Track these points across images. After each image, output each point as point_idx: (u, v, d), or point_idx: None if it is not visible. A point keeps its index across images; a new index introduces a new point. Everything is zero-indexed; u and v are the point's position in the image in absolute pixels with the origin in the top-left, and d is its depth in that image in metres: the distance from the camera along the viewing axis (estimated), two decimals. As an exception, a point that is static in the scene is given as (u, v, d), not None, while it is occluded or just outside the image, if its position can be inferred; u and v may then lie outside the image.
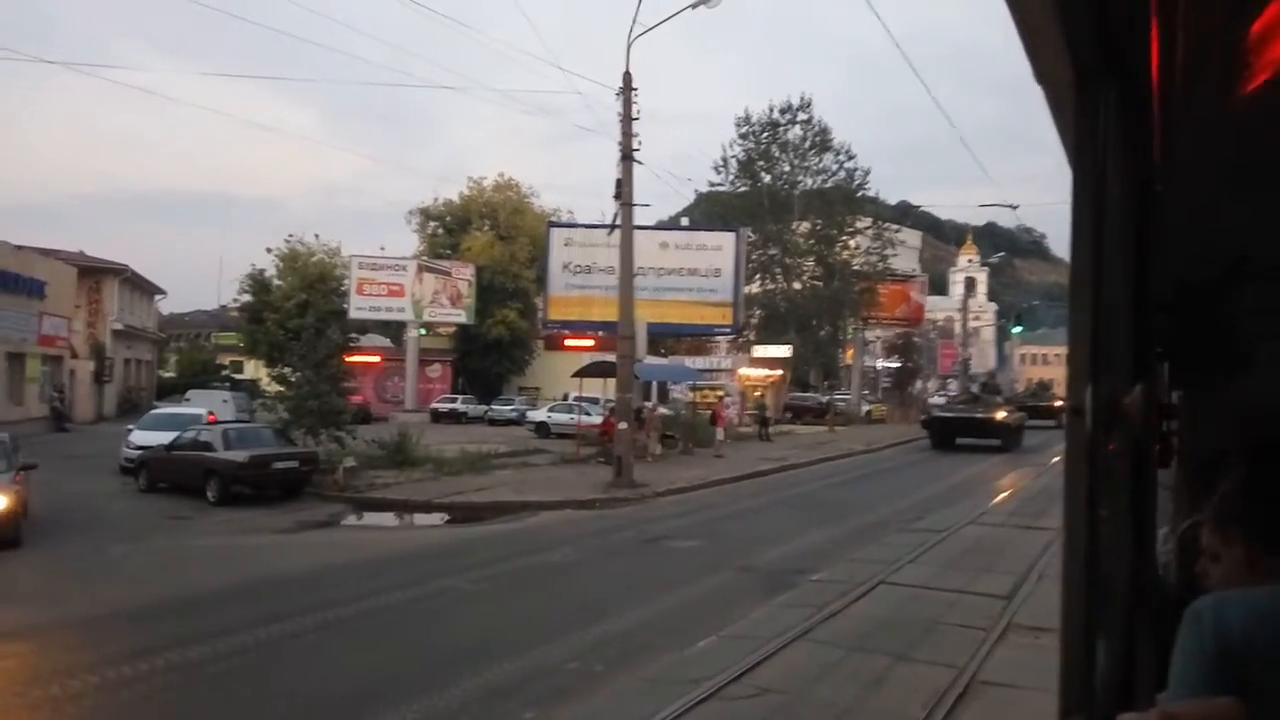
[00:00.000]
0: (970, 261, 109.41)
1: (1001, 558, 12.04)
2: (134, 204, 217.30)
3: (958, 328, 73.81)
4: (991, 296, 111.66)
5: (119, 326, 42.96)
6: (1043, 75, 1.20)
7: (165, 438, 19.57)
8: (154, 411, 26.26)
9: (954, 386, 70.05)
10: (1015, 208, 48.48)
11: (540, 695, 6.84)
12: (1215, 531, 1.66)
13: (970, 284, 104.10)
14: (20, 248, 32.77)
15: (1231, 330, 3.01)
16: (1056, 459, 25.17)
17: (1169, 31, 1.16)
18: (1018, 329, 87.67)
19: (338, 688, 7.14)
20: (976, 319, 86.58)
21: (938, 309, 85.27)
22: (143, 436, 21.23)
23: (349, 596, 9.90)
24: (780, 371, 46.15)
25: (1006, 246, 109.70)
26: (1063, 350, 1.24)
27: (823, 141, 50.24)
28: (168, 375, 53.83)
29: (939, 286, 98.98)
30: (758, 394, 42.95)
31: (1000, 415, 30.36)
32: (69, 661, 7.54)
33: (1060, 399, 39.43)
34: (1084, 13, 1.07)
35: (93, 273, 41.42)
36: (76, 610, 9.43)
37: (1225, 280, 2.44)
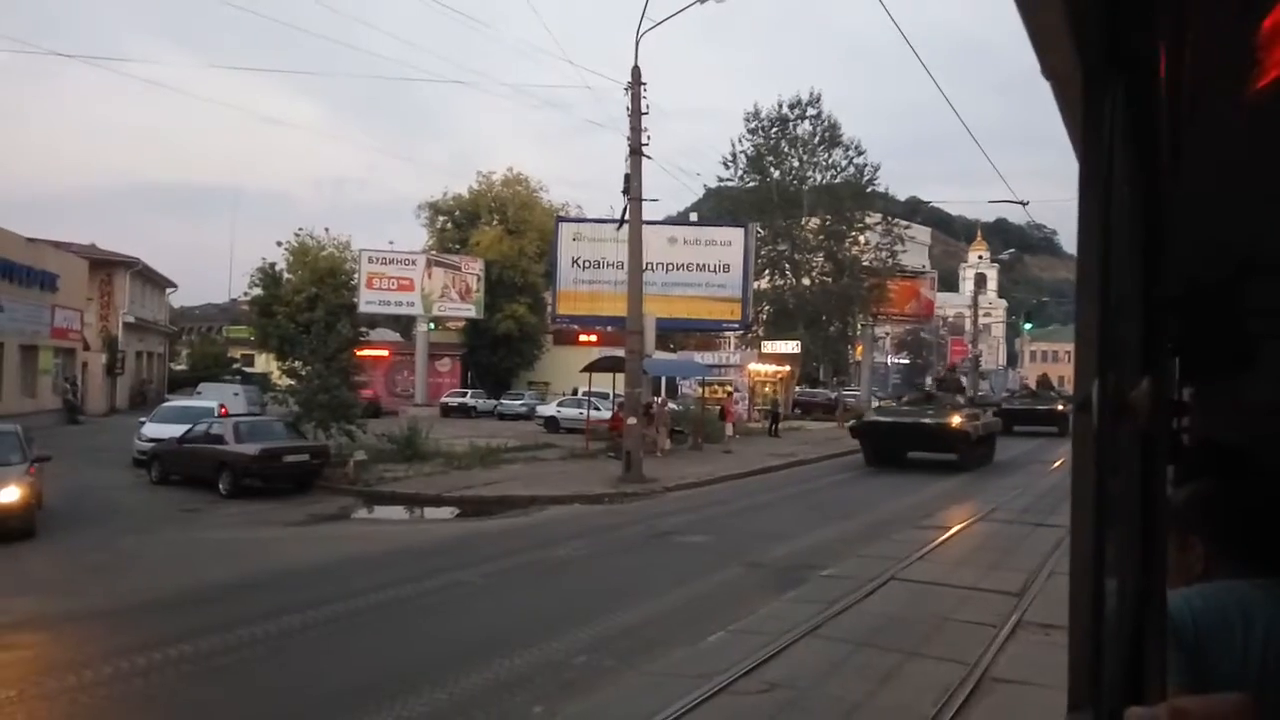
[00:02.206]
0: (980, 258, 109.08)
1: (1012, 554, 12.03)
2: (145, 197, 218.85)
3: (968, 324, 73.63)
4: (1002, 293, 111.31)
5: (130, 319, 43.18)
6: (1050, 71, 1.21)
7: (177, 430, 19.71)
8: (166, 404, 26.45)
9: (965, 381, 69.98)
10: (1025, 204, 48.05)
11: (549, 689, 6.87)
12: (1173, 537, 1.79)
13: (980, 280, 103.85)
14: (32, 240, 33.01)
15: (1240, 328, 3.01)
16: (1059, 462, 24.85)
17: (1177, 28, 1.17)
18: (1028, 326, 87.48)
19: (346, 680, 7.19)
20: (987, 315, 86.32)
21: (948, 305, 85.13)
22: (155, 429, 21.40)
23: (359, 590, 9.96)
24: (789, 367, 46.08)
25: (1017, 243, 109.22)
26: (1073, 347, 1.25)
27: (832, 137, 50.10)
28: (179, 368, 54.12)
29: (949, 283, 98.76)
30: (768, 390, 42.91)
31: (956, 421, 22.34)
32: (83, 652, 7.61)
33: (1063, 401, 37.12)
34: (1091, 9, 1.08)
35: (104, 265, 41.65)
36: (90, 601, 9.51)
37: (1234, 278, 2.44)
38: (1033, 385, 47.33)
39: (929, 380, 46.87)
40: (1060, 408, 35.86)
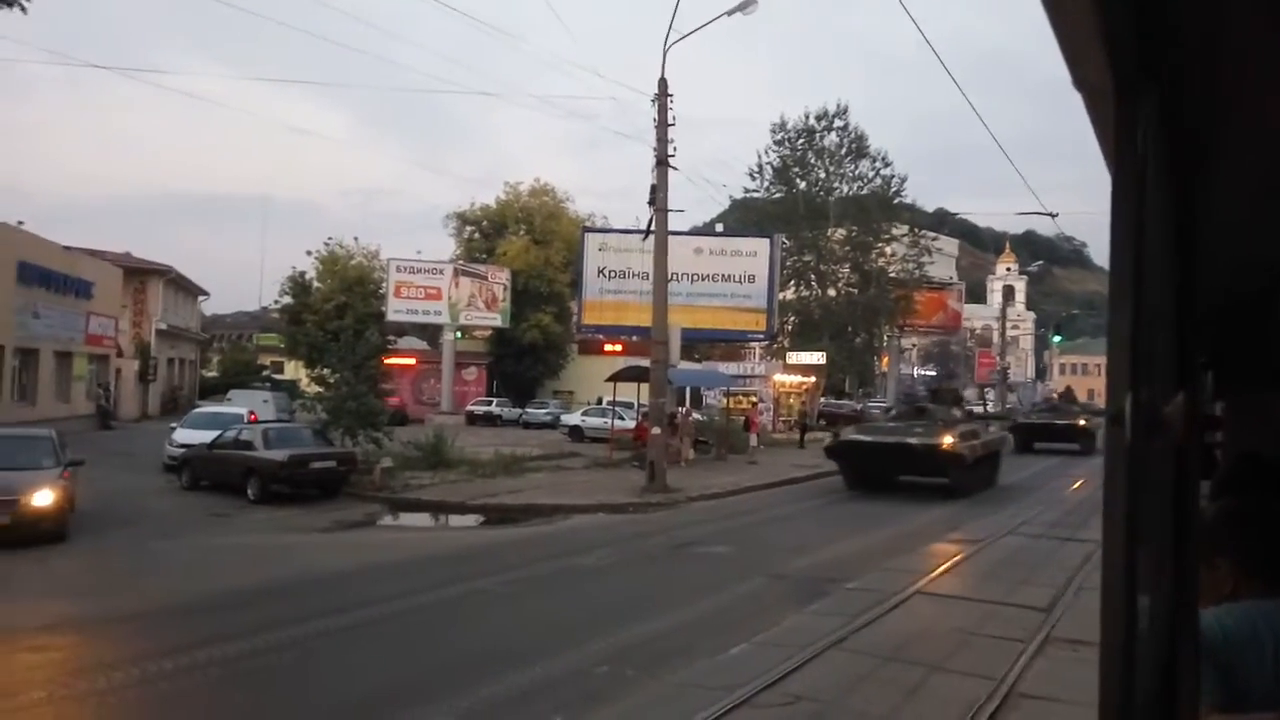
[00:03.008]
0: (1009, 269, 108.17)
1: (1040, 569, 11.88)
2: (179, 206, 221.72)
3: (995, 336, 73.03)
4: (1030, 305, 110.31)
5: (163, 326, 43.81)
6: (1081, 82, 1.20)
7: (207, 436, 19.95)
8: (196, 410, 26.77)
9: (992, 395, 69.29)
10: (1054, 216, 47.35)
11: (570, 698, 6.86)
12: (1200, 557, 1.78)
13: (1009, 292, 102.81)
14: (68, 249, 33.59)
15: (1275, 341, 2.96)
16: (1079, 484, 24.33)
17: (1211, 39, 1.16)
18: (1058, 338, 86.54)
19: (370, 686, 7.22)
20: (1015, 328, 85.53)
21: (975, 317, 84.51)
22: (185, 435, 21.66)
23: (384, 596, 10.01)
24: (814, 378, 45.92)
25: (1046, 255, 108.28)
26: (1104, 360, 1.23)
27: (859, 148, 50.07)
28: (210, 375, 54.84)
29: (977, 294, 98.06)
30: (792, 401, 42.74)
31: (948, 441, 19.22)
32: (112, 655, 7.71)
33: (1085, 417, 33.65)
34: (1124, 21, 1.07)
35: (138, 273, 42.31)
36: (120, 605, 9.63)
37: (1268, 292, 2.40)
38: (1052, 402, 42.90)
39: (921, 392, 42.43)
40: (1082, 423, 32.91)
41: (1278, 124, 1.33)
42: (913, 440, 19.65)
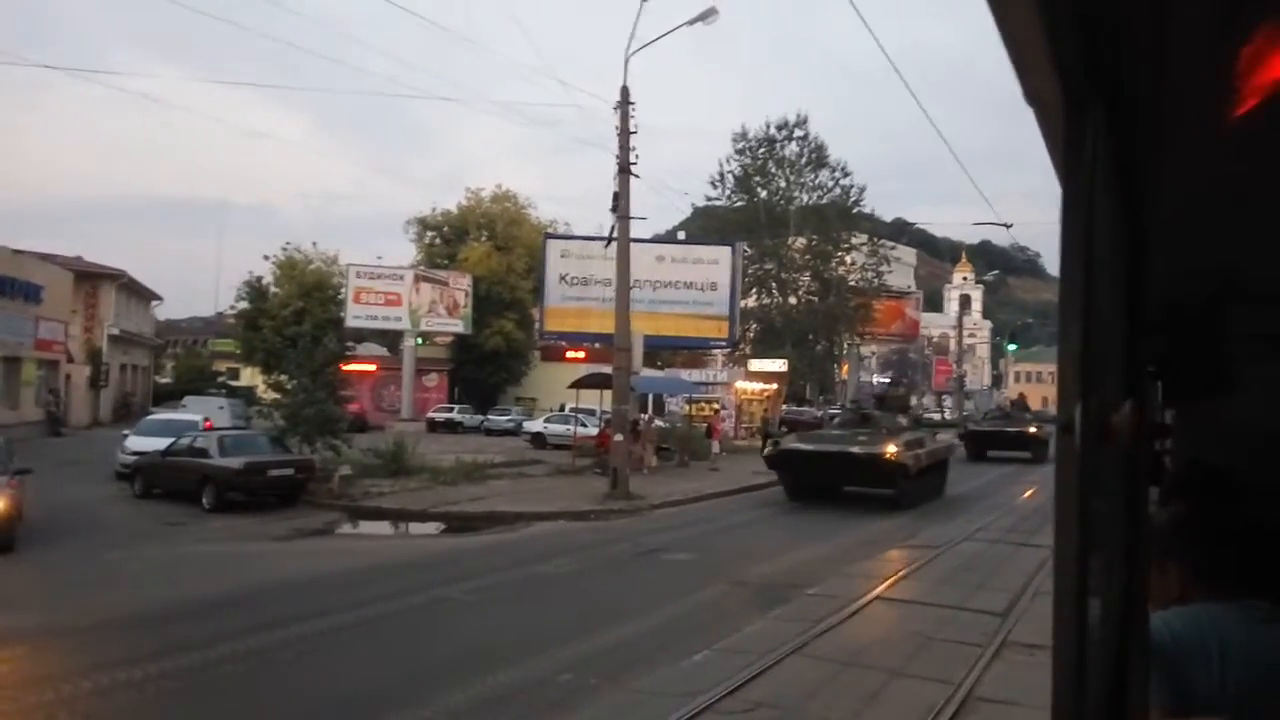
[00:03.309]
0: (965, 279, 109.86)
1: (996, 574, 12.05)
2: (132, 210, 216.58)
3: (952, 344, 74.08)
4: (986, 314, 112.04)
5: (116, 332, 42.90)
6: (1032, 96, 1.22)
7: (161, 443, 19.55)
8: (149, 417, 26.25)
9: (950, 402, 70.22)
10: (1009, 226, 48.33)
11: (533, 707, 6.83)
12: (1150, 562, 1.83)
13: (965, 301, 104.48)
14: (18, 252, 32.82)
15: (1221, 351, 3.04)
16: (1029, 492, 24.59)
17: (1158, 54, 1.19)
18: (1012, 347, 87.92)
19: (329, 696, 7.13)
20: (971, 336, 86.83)
21: (933, 326, 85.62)
22: (138, 442, 21.23)
23: (342, 605, 9.89)
24: (775, 385, 46.19)
25: (1001, 264, 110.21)
26: (1056, 369, 1.26)
27: (819, 158, 50.60)
28: (164, 381, 53.76)
29: (934, 303, 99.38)
30: (753, 408, 42.96)
31: (891, 450, 18.38)
32: (62, 667, 7.52)
33: (1036, 424, 32.91)
34: (1072, 35, 1.09)
35: (90, 278, 41.41)
36: (70, 616, 9.40)
37: (1214, 301, 2.47)
38: (1006, 410, 41.72)
39: (869, 399, 41.40)
40: (1033, 430, 32.49)
41: (1224, 133, 1.36)
42: (855, 449, 18.87)
